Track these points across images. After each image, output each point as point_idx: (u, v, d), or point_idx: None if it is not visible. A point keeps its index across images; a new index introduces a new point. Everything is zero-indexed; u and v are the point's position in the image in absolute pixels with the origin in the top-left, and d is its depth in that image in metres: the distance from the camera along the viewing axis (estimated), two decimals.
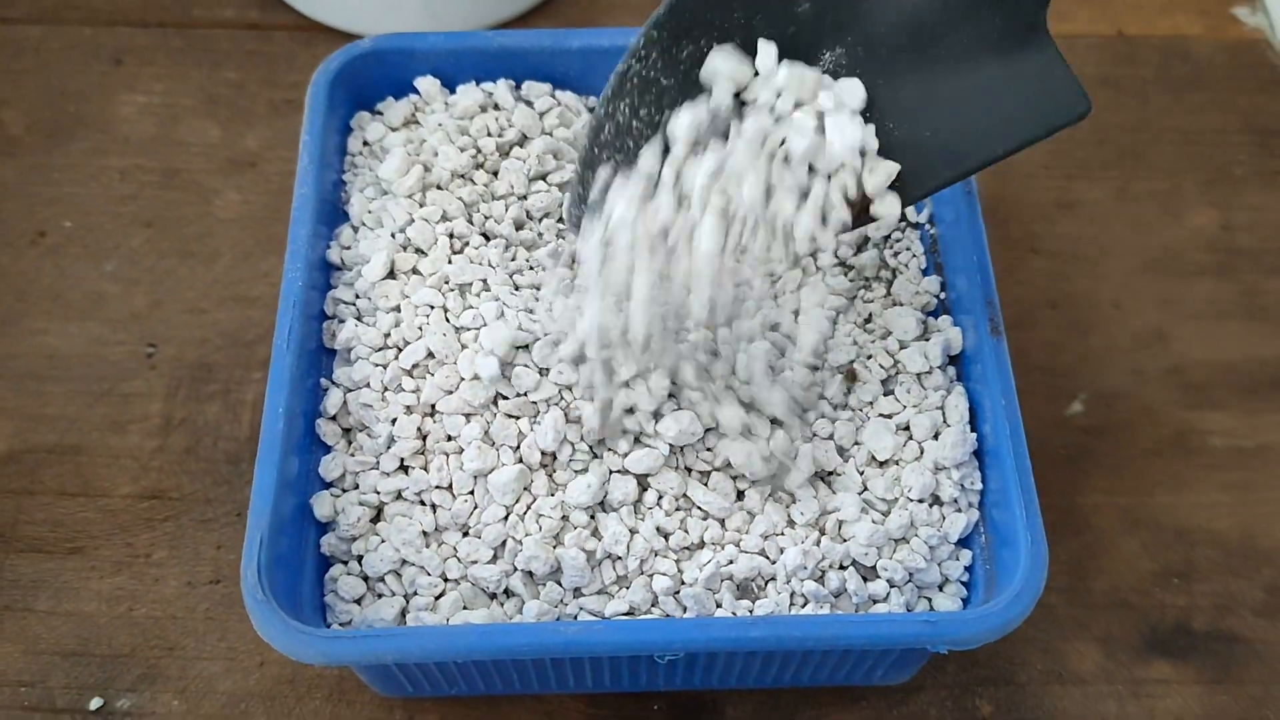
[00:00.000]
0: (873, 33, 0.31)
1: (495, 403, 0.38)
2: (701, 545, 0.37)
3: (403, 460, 0.38)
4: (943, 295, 0.42)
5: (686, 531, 0.37)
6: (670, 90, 0.31)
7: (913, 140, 0.32)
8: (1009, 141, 0.32)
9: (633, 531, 0.37)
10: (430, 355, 0.39)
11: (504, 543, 0.36)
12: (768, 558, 0.36)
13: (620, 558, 0.36)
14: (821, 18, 0.31)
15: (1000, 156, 0.32)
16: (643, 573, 0.36)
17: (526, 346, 0.38)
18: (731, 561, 0.36)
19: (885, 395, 0.39)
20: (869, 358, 0.40)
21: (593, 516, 0.37)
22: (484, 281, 0.40)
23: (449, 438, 0.38)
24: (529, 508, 0.37)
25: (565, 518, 0.37)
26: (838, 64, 0.31)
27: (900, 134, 0.32)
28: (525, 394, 0.38)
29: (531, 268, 0.41)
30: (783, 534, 0.37)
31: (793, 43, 0.31)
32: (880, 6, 0.31)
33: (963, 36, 0.30)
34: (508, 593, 0.37)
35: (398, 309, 0.40)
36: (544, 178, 0.43)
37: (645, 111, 0.31)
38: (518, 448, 0.37)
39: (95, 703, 0.41)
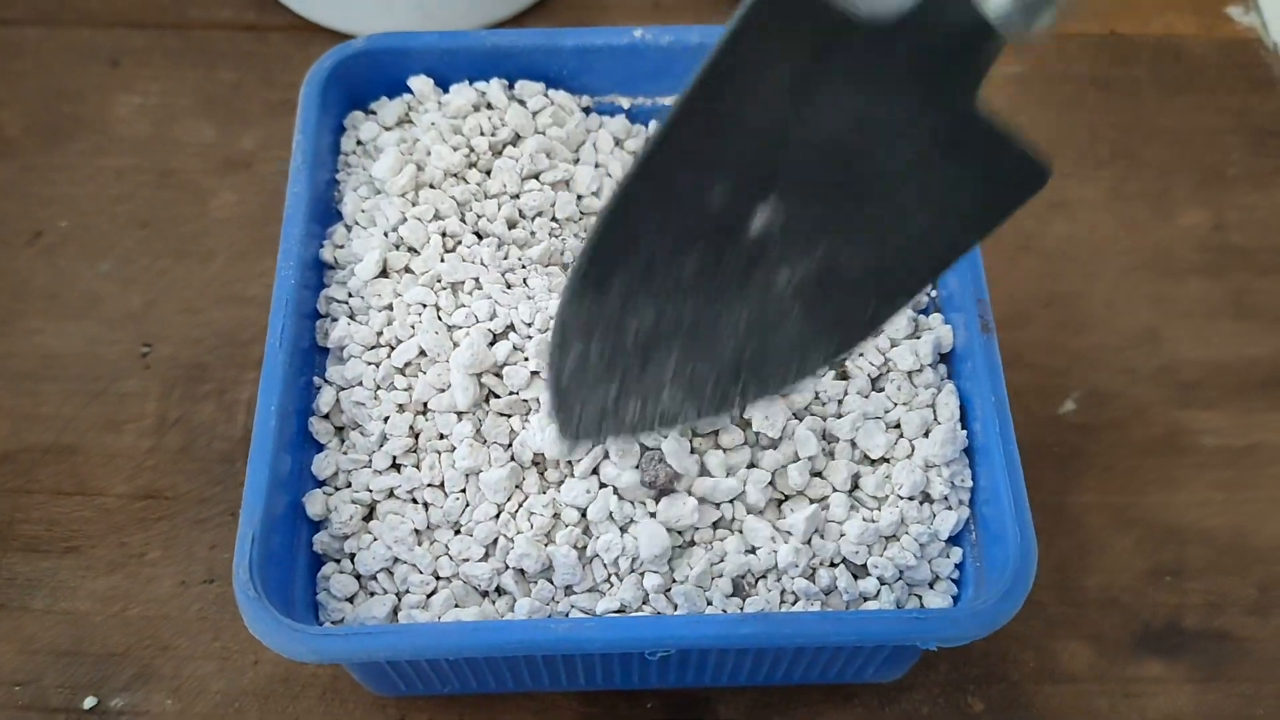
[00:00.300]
0: (801, 176, 0.29)
1: (487, 401, 0.38)
2: (692, 544, 0.37)
3: (395, 458, 0.38)
4: (934, 293, 0.42)
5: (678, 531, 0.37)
6: (610, 321, 0.31)
7: (876, 263, 0.30)
8: (974, 234, 0.31)
9: (623, 529, 0.37)
10: (422, 354, 0.39)
11: (495, 541, 0.37)
12: (757, 555, 0.36)
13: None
14: (740, 191, 0.30)
15: (966, 250, 0.31)
16: (634, 570, 0.36)
17: (519, 348, 0.38)
18: (722, 559, 0.36)
19: (876, 392, 0.39)
20: (860, 355, 0.40)
21: (584, 514, 0.37)
22: (476, 280, 0.40)
23: (441, 436, 0.38)
24: (520, 506, 0.37)
25: (556, 515, 0.37)
26: (773, 219, 0.29)
27: (859, 261, 0.30)
28: (517, 393, 0.38)
29: (524, 265, 0.41)
30: (773, 537, 0.37)
31: (717, 224, 0.30)
32: (800, 150, 0.29)
33: (897, 148, 0.29)
34: (499, 591, 0.37)
35: (390, 307, 0.40)
36: (537, 176, 0.43)
37: (598, 346, 0.31)
38: (509, 446, 0.37)
39: (89, 702, 0.41)
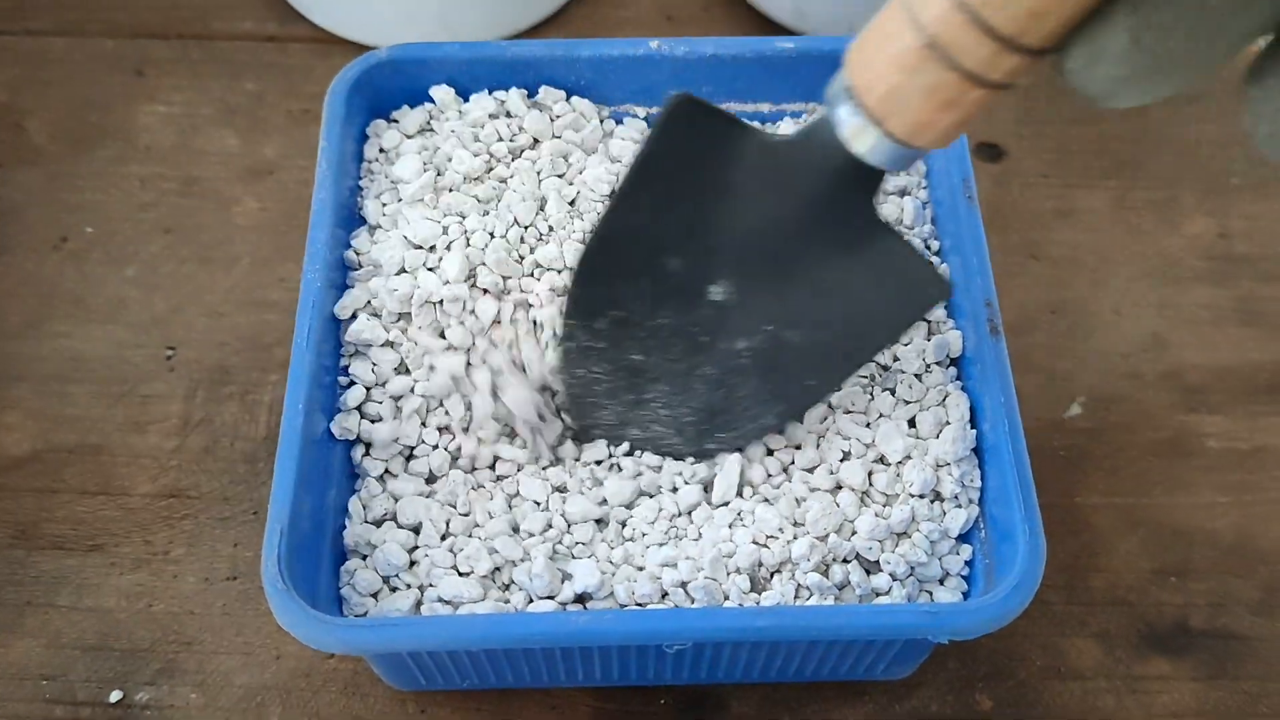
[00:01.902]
0: (741, 263, 0.34)
1: None
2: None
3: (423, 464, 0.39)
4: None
5: (697, 526, 0.38)
6: (606, 354, 0.37)
7: (812, 346, 0.35)
8: (889, 332, 0.36)
9: (645, 531, 0.38)
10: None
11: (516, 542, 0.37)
12: (770, 549, 0.37)
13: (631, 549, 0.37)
14: (692, 267, 0.35)
15: (886, 345, 0.37)
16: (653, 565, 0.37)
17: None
18: (735, 552, 0.37)
19: (883, 392, 0.40)
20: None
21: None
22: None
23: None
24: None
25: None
26: (729, 292, 0.35)
27: (799, 341, 0.35)
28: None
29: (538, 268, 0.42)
30: (784, 529, 0.38)
31: (679, 289, 0.35)
32: (733, 240, 0.34)
33: (812, 248, 0.33)
34: (513, 585, 0.37)
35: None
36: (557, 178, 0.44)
37: (599, 370, 0.37)
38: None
39: (115, 695, 0.42)
